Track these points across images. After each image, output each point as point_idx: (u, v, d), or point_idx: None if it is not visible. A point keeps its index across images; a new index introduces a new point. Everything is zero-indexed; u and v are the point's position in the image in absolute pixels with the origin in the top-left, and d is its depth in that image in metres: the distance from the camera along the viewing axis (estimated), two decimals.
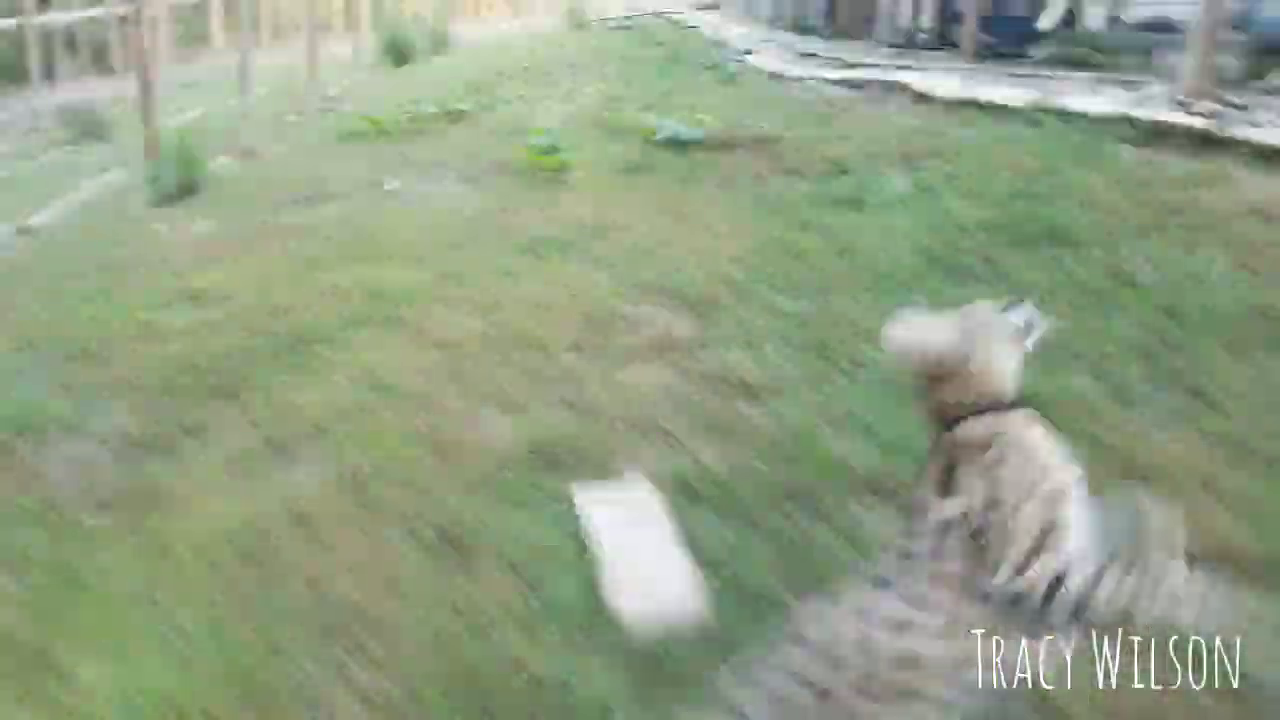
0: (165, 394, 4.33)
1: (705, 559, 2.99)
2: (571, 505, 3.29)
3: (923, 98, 8.58)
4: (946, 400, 1.88)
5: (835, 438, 3.61)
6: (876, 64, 11.64)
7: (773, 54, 14.02)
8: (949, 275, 4.85)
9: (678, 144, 7.95)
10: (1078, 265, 4.84)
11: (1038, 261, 4.91)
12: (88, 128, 15.11)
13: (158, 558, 3.18)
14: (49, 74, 21.35)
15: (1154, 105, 7.02)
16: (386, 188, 7.77)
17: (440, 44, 22.22)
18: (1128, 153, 6.26)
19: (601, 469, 3.56)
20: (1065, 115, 7.17)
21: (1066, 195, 5.63)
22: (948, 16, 16.65)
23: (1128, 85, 8.42)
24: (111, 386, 4.44)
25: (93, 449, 3.95)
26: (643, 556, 2.97)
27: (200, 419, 4.11)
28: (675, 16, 24.46)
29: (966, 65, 11.29)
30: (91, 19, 24.43)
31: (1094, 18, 11.31)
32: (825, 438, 3.61)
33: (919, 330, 1.91)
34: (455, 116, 10.81)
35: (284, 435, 3.91)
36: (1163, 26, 9.85)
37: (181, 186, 8.27)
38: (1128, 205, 5.37)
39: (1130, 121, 6.63)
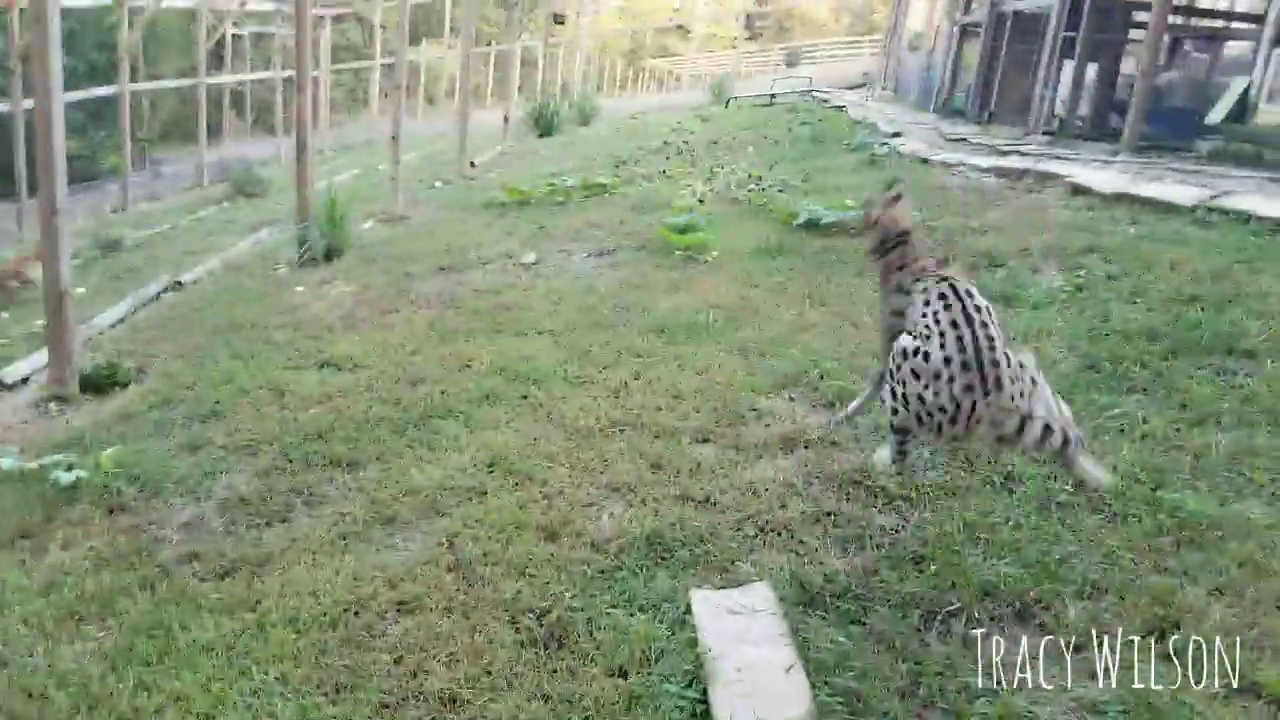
0: (286, 459, 4.32)
1: (819, 667, 2.78)
2: (686, 608, 3.09)
3: (1080, 190, 8.18)
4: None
5: (975, 553, 3.33)
6: (1030, 152, 11.24)
7: (920, 137, 13.75)
8: (1108, 385, 4.49)
9: (819, 227, 7.78)
10: (1252, 381, 4.42)
11: (1207, 374, 4.51)
12: (245, 186, 15.93)
13: (255, 628, 3.11)
14: (215, 132, 22.70)
15: None
16: (523, 260, 7.81)
17: (586, 116, 22.78)
18: None
19: (720, 569, 3.36)
20: (1238, 216, 6.71)
21: (1240, 303, 5.20)
22: (1107, 105, 16.15)
23: None
24: (236, 449, 4.47)
25: (208, 512, 3.94)
26: (755, 672, 2.73)
27: (317, 488, 4.07)
28: (821, 95, 24.42)
29: (1126, 157, 10.82)
30: (257, 81, 25.96)
31: (1269, 112, 10.67)
32: (964, 552, 3.32)
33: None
34: (595, 190, 10.89)
35: (396, 511, 3.84)
36: None
37: (327, 249, 8.52)
38: None
39: None
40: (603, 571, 3.35)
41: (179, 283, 8.00)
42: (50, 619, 3.23)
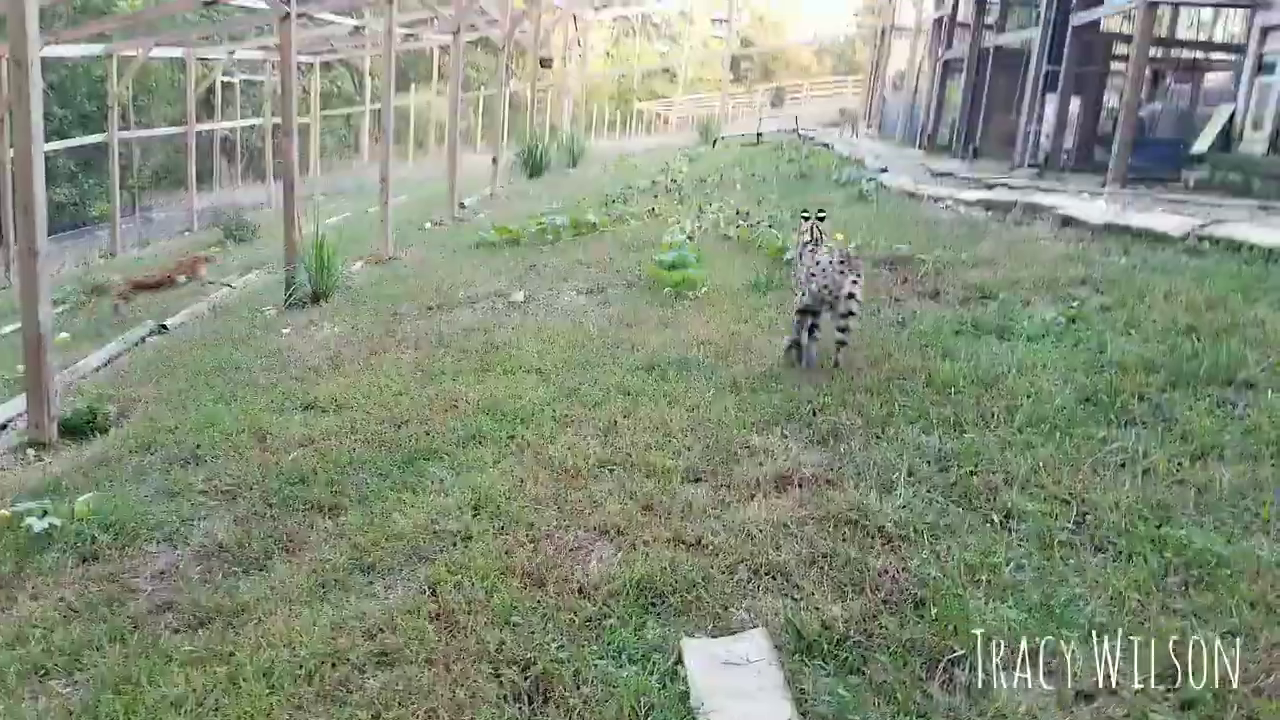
0: (267, 505, 4.20)
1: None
2: (678, 658, 2.96)
3: (1070, 221, 8.15)
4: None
5: (977, 596, 3.21)
6: (1017, 185, 11.26)
7: (907, 172, 13.78)
8: (1107, 418, 4.40)
9: None
10: (1254, 412, 4.33)
11: (1207, 406, 4.43)
12: (234, 231, 15.87)
13: (227, 682, 2.97)
14: (206, 178, 22.69)
15: None
16: (513, 298, 7.73)
17: (575, 157, 22.82)
18: None
19: (713, 616, 3.23)
20: (1229, 245, 6.67)
21: (1236, 332, 5.13)
22: (1091, 138, 16.23)
23: None
24: (215, 494, 4.35)
25: (185, 561, 3.81)
26: None
27: (298, 534, 3.95)
28: (807, 133, 24.56)
29: (1114, 189, 10.83)
30: (248, 127, 26.04)
31: (1253, 141, 10.68)
32: (965, 595, 3.21)
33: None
34: (585, 229, 10.85)
35: (378, 557, 3.71)
36: None
37: (315, 291, 8.44)
38: None
39: None
40: (590, 620, 3.23)
41: (164, 326, 7.89)
42: (14, 674, 3.10)
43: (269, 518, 4.08)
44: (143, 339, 7.61)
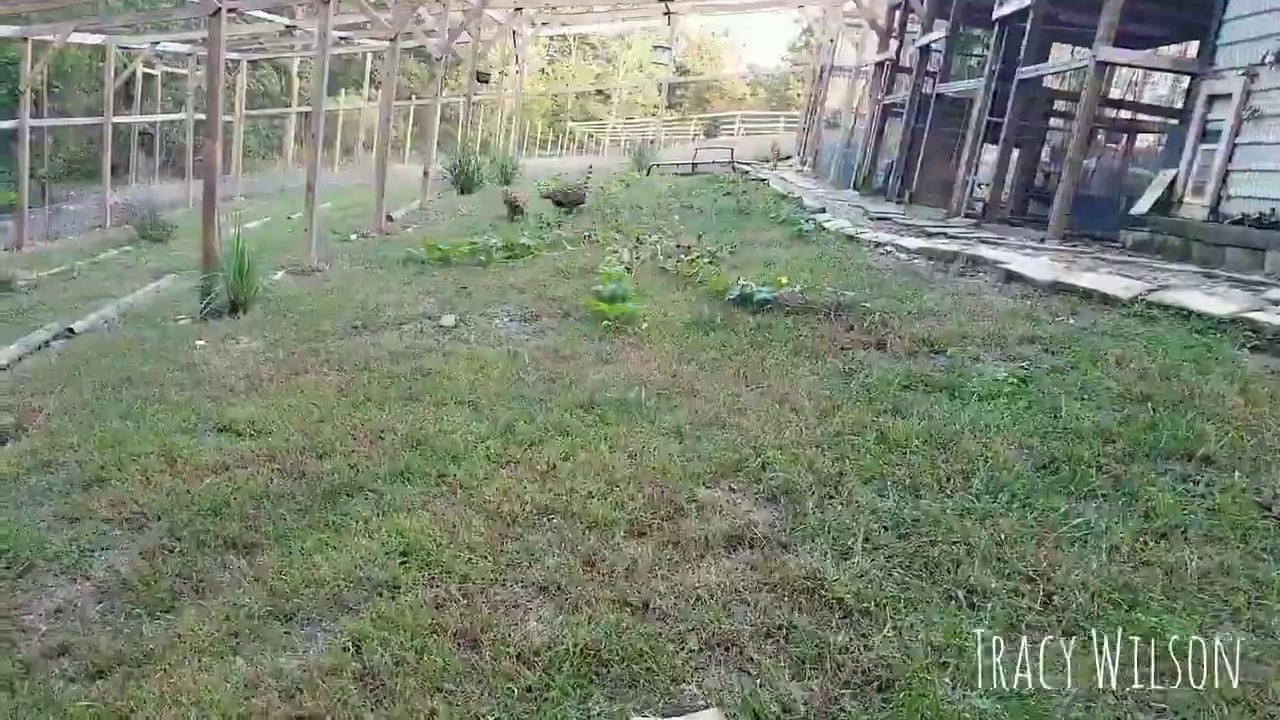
0: (176, 539, 3.84)
1: None
2: None
3: (1014, 277, 8.11)
4: None
5: (945, 681, 3.02)
6: (957, 235, 11.28)
7: (845, 214, 13.75)
8: (1066, 489, 4.25)
9: (751, 303, 7.52)
10: (1215, 491, 4.22)
11: (1169, 481, 4.31)
12: (149, 230, 15.18)
13: None
14: (123, 172, 21.78)
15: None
16: (443, 322, 7.40)
17: (508, 174, 22.47)
18: (1255, 361, 5.70)
19: (663, 692, 2.99)
20: (1178, 311, 6.65)
21: (1193, 404, 5.04)
22: (1029, 191, 16.47)
23: (1243, 284, 7.92)
24: (120, 523, 3.98)
25: (84, 597, 3.45)
26: None
27: (208, 573, 3.61)
28: (743, 167, 24.62)
29: (1054, 244, 10.92)
30: (169, 122, 25.16)
31: (1193, 207, 10.82)
32: (931, 680, 3.02)
33: None
34: (519, 251, 10.55)
35: (296, 604, 3.40)
36: (1274, 223, 9.27)
37: (233, 301, 8.00)
38: (1269, 424, 4.77)
39: (1254, 326, 6.09)
40: (531, 689, 2.96)
41: (71, 330, 7.37)
42: None
43: (178, 553, 3.73)
44: (47, 342, 7.09)
